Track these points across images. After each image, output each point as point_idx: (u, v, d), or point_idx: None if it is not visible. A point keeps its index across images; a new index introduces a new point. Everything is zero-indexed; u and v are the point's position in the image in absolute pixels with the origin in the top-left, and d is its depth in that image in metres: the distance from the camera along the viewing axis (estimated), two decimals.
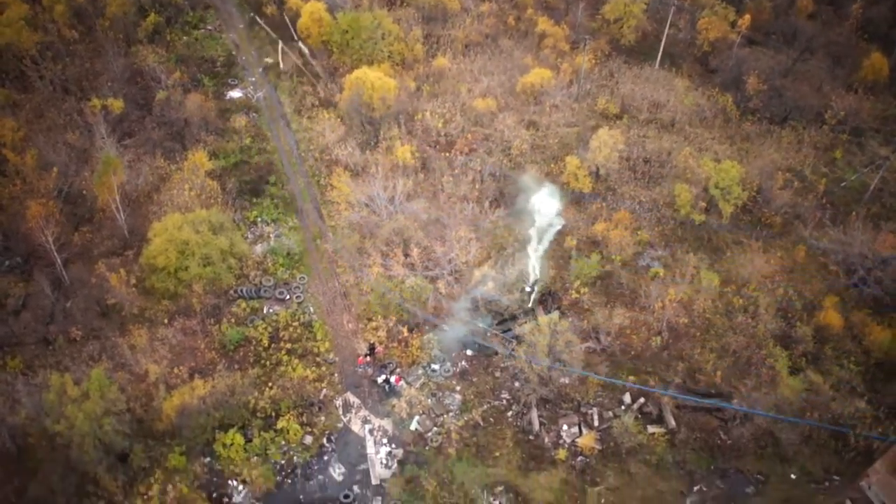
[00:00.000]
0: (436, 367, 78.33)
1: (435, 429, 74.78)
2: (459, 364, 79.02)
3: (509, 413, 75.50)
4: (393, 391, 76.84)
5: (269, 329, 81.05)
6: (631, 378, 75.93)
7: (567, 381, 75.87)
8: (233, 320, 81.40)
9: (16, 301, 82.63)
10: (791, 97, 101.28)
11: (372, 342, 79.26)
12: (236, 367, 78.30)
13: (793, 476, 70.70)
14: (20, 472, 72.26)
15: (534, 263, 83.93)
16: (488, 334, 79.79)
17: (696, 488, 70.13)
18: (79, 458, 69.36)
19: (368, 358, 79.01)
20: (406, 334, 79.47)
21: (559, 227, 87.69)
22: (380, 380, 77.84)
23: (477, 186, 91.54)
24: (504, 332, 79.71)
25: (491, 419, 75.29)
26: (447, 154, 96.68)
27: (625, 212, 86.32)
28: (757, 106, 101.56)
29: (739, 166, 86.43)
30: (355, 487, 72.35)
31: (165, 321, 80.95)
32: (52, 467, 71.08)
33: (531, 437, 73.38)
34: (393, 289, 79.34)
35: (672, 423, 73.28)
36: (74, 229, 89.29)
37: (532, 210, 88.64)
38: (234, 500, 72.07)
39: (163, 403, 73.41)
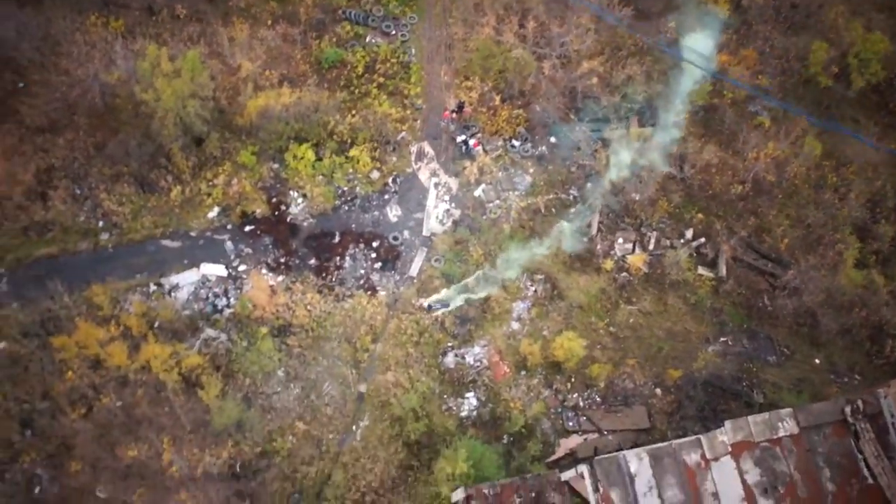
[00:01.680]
0: (516, 143, 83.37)
1: (497, 202, 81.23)
2: (539, 148, 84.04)
3: (571, 210, 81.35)
4: (468, 153, 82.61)
5: (367, 59, 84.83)
6: (699, 216, 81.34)
7: (637, 198, 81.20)
8: (334, 40, 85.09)
9: None
10: None
11: (462, 100, 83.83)
12: (326, 86, 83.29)
13: (817, 361, 76.46)
14: (103, 128, 79.83)
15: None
16: (577, 128, 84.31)
17: (722, 339, 76.91)
18: (158, 130, 76.34)
19: (455, 114, 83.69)
20: (497, 103, 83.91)
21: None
22: (459, 139, 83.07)
23: None
24: (593, 131, 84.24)
25: (553, 209, 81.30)
26: None
27: (752, 51, 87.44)
28: None
29: (889, 42, 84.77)
30: (406, 232, 79.95)
31: (269, 22, 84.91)
32: (133, 132, 78.46)
33: (584, 239, 79.81)
34: (498, 54, 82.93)
35: (723, 271, 78.35)
36: None
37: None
38: (290, 209, 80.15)
39: (248, 101, 79.16)
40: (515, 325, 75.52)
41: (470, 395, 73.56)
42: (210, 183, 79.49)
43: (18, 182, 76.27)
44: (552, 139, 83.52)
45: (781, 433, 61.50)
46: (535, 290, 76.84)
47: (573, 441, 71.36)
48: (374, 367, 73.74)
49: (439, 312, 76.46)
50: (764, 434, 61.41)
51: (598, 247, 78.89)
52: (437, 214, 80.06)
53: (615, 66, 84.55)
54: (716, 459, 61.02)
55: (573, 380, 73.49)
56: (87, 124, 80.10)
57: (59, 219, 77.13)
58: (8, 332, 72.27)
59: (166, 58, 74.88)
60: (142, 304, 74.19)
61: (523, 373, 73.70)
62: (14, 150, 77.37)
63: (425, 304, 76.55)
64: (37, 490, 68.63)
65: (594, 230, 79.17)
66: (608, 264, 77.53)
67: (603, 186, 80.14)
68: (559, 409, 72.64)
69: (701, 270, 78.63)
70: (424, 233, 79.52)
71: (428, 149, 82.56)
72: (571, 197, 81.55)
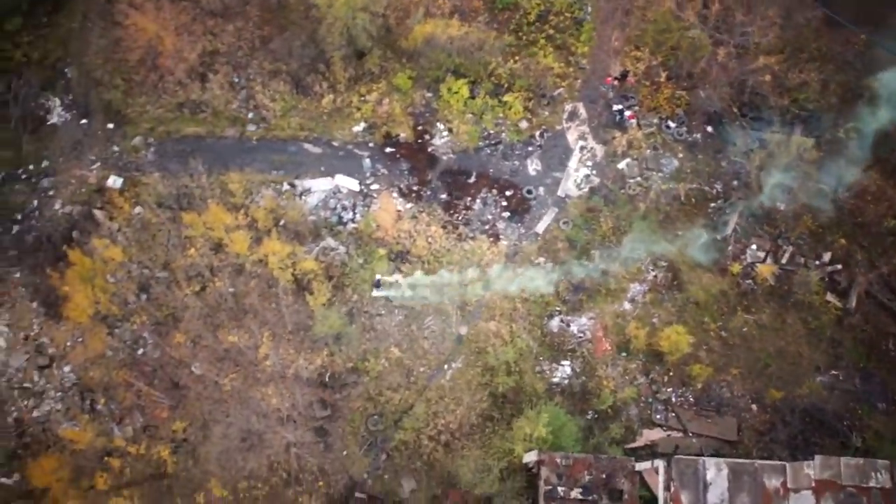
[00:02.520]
0: (672, 124, 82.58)
1: (639, 179, 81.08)
2: (694, 134, 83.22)
3: (712, 204, 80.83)
4: (621, 124, 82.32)
5: (542, 7, 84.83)
6: (841, 241, 79.36)
7: (781, 208, 79.74)
8: None
9: None
10: None
11: (627, 70, 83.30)
12: (495, 26, 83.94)
13: None
14: (272, 24, 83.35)
15: None
16: (738, 123, 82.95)
17: (833, 372, 75.35)
18: (324, 36, 78.88)
19: (617, 82, 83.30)
20: (662, 80, 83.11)
21: None
22: (615, 107, 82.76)
23: None
24: (753, 129, 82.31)
25: (693, 200, 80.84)
26: None
27: None
28: None
29: None
30: (541, 189, 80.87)
31: None
32: (299, 33, 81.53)
33: (717, 237, 79.15)
34: (675, 30, 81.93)
35: (853, 303, 75.94)
36: None
37: None
38: (433, 140, 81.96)
39: (415, 25, 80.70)
40: (627, 306, 76.10)
41: (566, 363, 74.78)
42: (362, 98, 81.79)
43: (183, 59, 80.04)
44: (709, 128, 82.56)
45: (873, 483, 60.31)
46: (655, 276, 77.11)
47: (656, 434, 72.06)
48: (479, 312, 75.54)
49: (380, 294, 76.68)
50: (853, 479, 60.48)
51: (730, 248, 78.28)
52: (576, 178, 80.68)
53: (792, 67, 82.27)
54: (796, 491, 60.87)
55: (671, 374, 73.78)
56: (258, 17, 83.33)
57: (213, 102, 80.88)
58: (145, 199, 76.91)
59: None
60: (272, 200, 77.52)
61: (624, 354, 74.44)
62: (185, 29, 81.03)
63: (377, 278, 76.74)
64: (140, 351, 73.64)
65: (729, 230, 78.35)
66: (735, 268, 76.86)
67: (749, 188, 78.62)
68: (650, 399, 73.24)
69: (829, 297, 77.00)
70: (559, 193, 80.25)
71: (582, 110, 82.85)
72: (714, 191, 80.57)
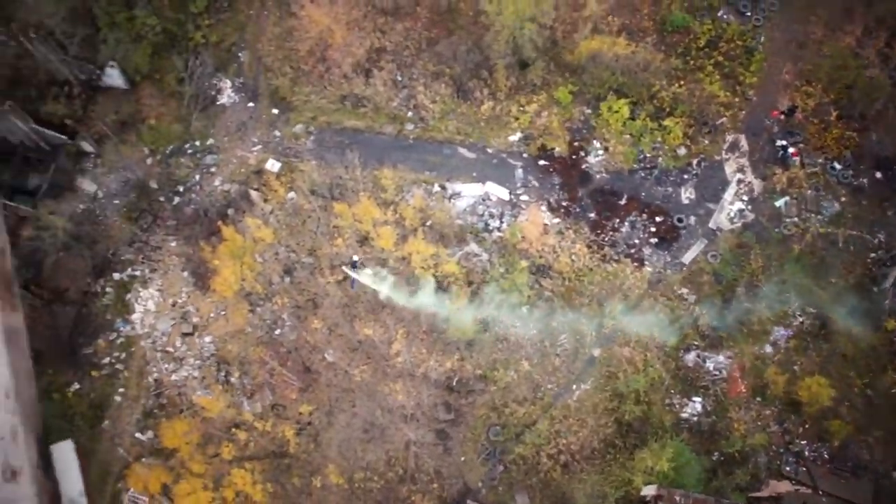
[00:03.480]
0: (837, 166, 79.53)
1: (796, 219, 78.43)
2: (860, 179, 79.71)
3: (872, 254, 77.29)
4: (784, 160, 79.71)
5: (713, 33, 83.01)
6: None
7: None
8: (685, 4, 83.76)
9: None
10: None
11: (796, 105, 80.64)
12: (662, 48, 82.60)
13: None
14: (440, 27, 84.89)
15: None
16: None
17: None
18: (490, 43, 79.24)
19: (783, 117, 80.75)
20: (832, 119, 80.00)
21: None
22: (779, 143, 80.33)
23: None
24: None
25: (851, 247, 77.52)
26: None
27: None
28: None
29: None
30: (692, 218, 79.23)
31: None
32: (466, 38, 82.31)
33: (874, 289, 75.75)
34: (852, 68, 78.48)
35: None
36: None
37: None
38: (587, 158, 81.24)
39: (582, 40, 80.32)
40: (769, 349, 74.01)
41: (697, 399, 73.28)
42: (521, 108, 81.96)
43: (351, 54, 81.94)
44: (878, 174, 79.19)
45: None
46: (802, 322, 74.58)
47: (783, 486, 69.67)
48: (614, 336, 74.64)
49: (349, 273, 75.20)
50: None
51: (887, 303, 74.80)
52: (729, 211, 78.97)
53: None
54: None
55: (807, 426, 71.50)
56: (427, 18, 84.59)
57: (375, 98, 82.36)
58: (300, 185, 78.96)
59: None
60: (422, 200, 78.61)
61: (759, 399, 72.53)
62: (356, 24, 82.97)
63: (354, 258, 75.32)
64: (277, 331, 75.88)
65: (888, 284, 74.98)
66: (891, 324, 73.65)
67: None
68: (781, 450, 71.05)
69: None
70: (711, 225, 78.72)
71: (743, 142, 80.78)
72: (877, 241, 77.27)
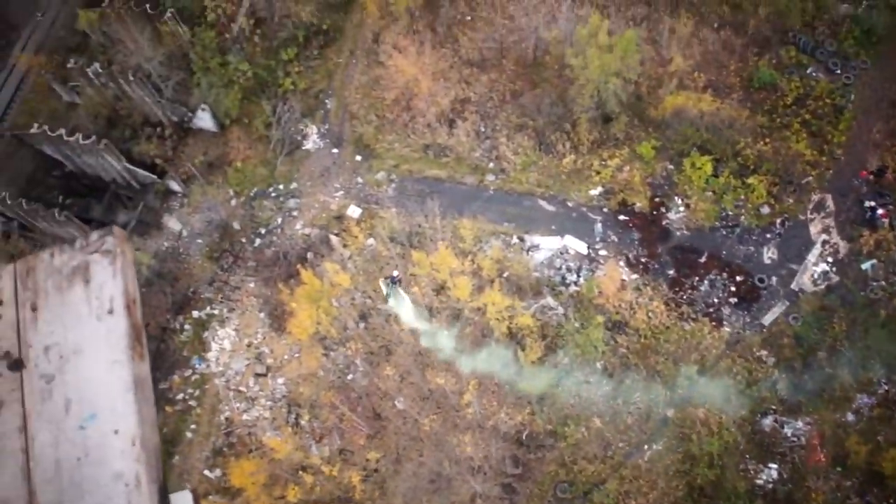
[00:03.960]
0: None
1: (883, 283, 75.88)
2: None
3: None
4: (872, 222, 77.30)
5: (801, 90, 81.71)
6: None
7: None
8: (773, 61, 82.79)
9: None
10: None
11: (886, 165, 78.53)
12: (748, 105, 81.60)
13: None
14: (525, 79, 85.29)
15: None
16: None
17: None
18: (574, 97, 79.43)
19: (872, 177, 78.68)
20: None
21: None
22: (867, 203, 78.04)
23: None
24: None
25: None
26: None
27: None
28: None
29: None
30: (774, 279, 77.50)
31: (714, 25, 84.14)
32: (550, 91, 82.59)
33: None
34: None
35: None
36: None
37: None
38: (668, 214, 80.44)
39: (667, 96, 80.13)
40: (851, 417, 71.54)
41: (773, 466, 71.19)
42: (603, 162, 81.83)
43: (436, 103, 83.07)
44: None
45: None
46: (887, 391, 71.97)
47: None
48: (689, 397, 73.10)
49: (383, 287, 73.72)
50: None
51: None
52: (813, 272, 77.00)
53: None
54: None
55: (891, 500, 68.29)
56: (512, 71, 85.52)
57: (457, 147, 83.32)
58: (379, 232, 79.97)
59: (605, 31, 76.65)
60: (500, 251, 78.63)
61: (839, 469, 69.91)
62: (442, 75, 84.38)
63: (394, 273, 73.86)
64: (350, 376, 76.71)
65: None
66: None
67: None
68: None
69: None
70: (793, 286, 76.80)
71: (829, 202, 79.03)
72: None
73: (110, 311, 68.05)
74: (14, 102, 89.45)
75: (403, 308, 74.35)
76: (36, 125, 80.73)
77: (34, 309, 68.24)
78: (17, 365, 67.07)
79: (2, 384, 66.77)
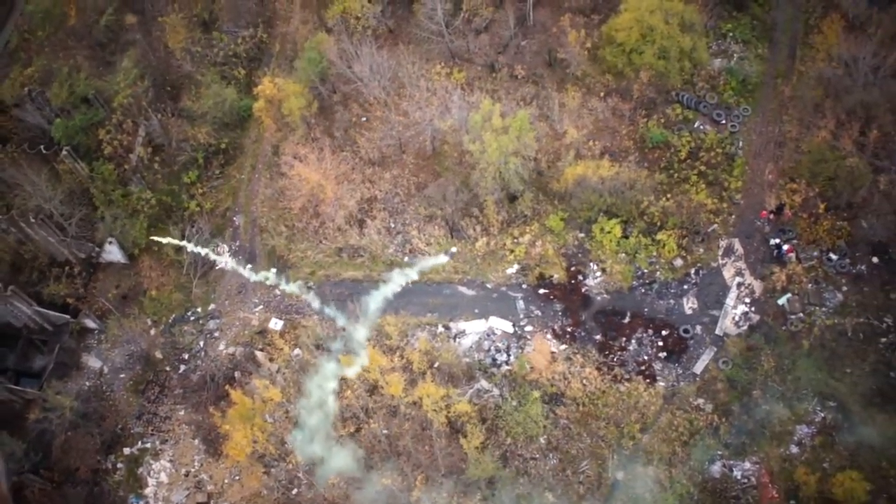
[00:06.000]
0: (834, 257, 79.31)
1: (801, 315, 77.61)
2: (858, 266, 79.30)
3: (883, 339, 76.11)
4: (780, 258, 79.54)
5: (692, 144, 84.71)
6: None
7: None
8: (662, 120, 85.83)
9: (481, 21, 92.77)
10: None
11: (783, 202, 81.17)
12: (645, 165, 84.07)
13: None
14: (427, 171, 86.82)
15: None
16: None
17: None
18: (477, 181, 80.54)
19: (773, 216, 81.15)
20: (821, 211, 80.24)
21: None
22: (772, 241, 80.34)
23: None
24: None
25: (861, 335, 76.21)
26: None
27: None
28: None
29: None
30: (698, 327, 78.47)
31: (601, 94, 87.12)
32: (453, 179, 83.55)
33: (891, 373, 74.33)
34: (831, 160, 79.49)
35: None
36: None
37: None
38: (586, 281, 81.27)
39: (567, 167, 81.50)
40: (794, 450, 72.13)
41: None
42: (515, 240, 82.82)
43: (343, 206, 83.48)
44: (874, 259, 78.94)
45: None
46: (824, 417, 72.84)
47: None
48: (636, 457, 73.06)
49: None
50: None
51: None
52: (734, 315, 78.38)
53: None
54: None
55: None
56: (414, 164, 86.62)
57: (370, 247, 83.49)
58: (304, 341, 78.78)
59: (498, 114, 78.83)
60: (427, 343, 78.23)
61: (793, 502, 69.74)
62: (345, 178, 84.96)
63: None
64: (294, 491, 75.27)
65: None
66: None
67: None
68: None
69: None
70: (717, 331, 77.94)
71: (738, 246, 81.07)
72: (885, 326, 76.32)
73: None
74: None
75: None
76: None
77: None
78: None
79: None
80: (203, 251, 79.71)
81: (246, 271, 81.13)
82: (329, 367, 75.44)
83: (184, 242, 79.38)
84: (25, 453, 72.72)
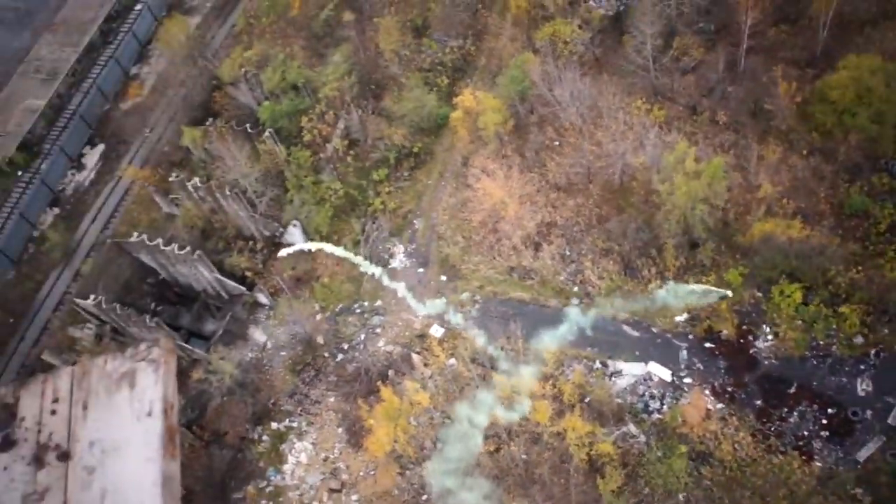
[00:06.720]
0: None
1: None
2: None
3: None
4: None
5: (894, 217, 79.58)
6: None
7: None
8: (865, 188, 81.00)
9: (690, 61, 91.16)
10: None
11: None
12: (839, 232, 79.81)
13: None
14: (611, 204, 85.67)
15: None
16: None
17: None
18: (660, 222, 79.11)
19: None
20: None
21: None
22: None
23: None
24: None
25: None
26: None
27: None
28: None
29: None
30: (868, 412, 73.81)
31: (804, 152, 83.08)
32: (636, 216, 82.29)
33: None
34: None
35: None
36: (773, 23, 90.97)
37: None
38: (756, 342, 78.09)
39: (755, 222, 78.73)
40: None
41: None
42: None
43: (522, 227, 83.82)
44: None
45: None
46: None
47: None
48: None
49: None
50: None
51: None
52: None
53: None
54: None
55: None
56: (599, 196, 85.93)
57: (542, 271, 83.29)
58: (461, 353, 79.59)
59: (693, 157, 76.74)
60: (581, 376, 77.21)
61: None
62: (529, 198, 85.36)
63: None
64: (424, 497, 75.34)
65: None
66: None
67: None
68: None
69: None
70: (890, 420, 73.11)
71: None
72: None
73: (149, 414, 70.24)
74: (118, 212, 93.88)
75: None
76: (136, 234, 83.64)
77: (85, 407, 71.61)
78: (64, 456, 69.54)
79: (50, 472, 69.28)
80: (376, 271, 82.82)
81: (414, 302, 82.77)
82: (484, 399, 74.95)
83: (358, 259, 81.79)
84: (183, 409, 76.35)
